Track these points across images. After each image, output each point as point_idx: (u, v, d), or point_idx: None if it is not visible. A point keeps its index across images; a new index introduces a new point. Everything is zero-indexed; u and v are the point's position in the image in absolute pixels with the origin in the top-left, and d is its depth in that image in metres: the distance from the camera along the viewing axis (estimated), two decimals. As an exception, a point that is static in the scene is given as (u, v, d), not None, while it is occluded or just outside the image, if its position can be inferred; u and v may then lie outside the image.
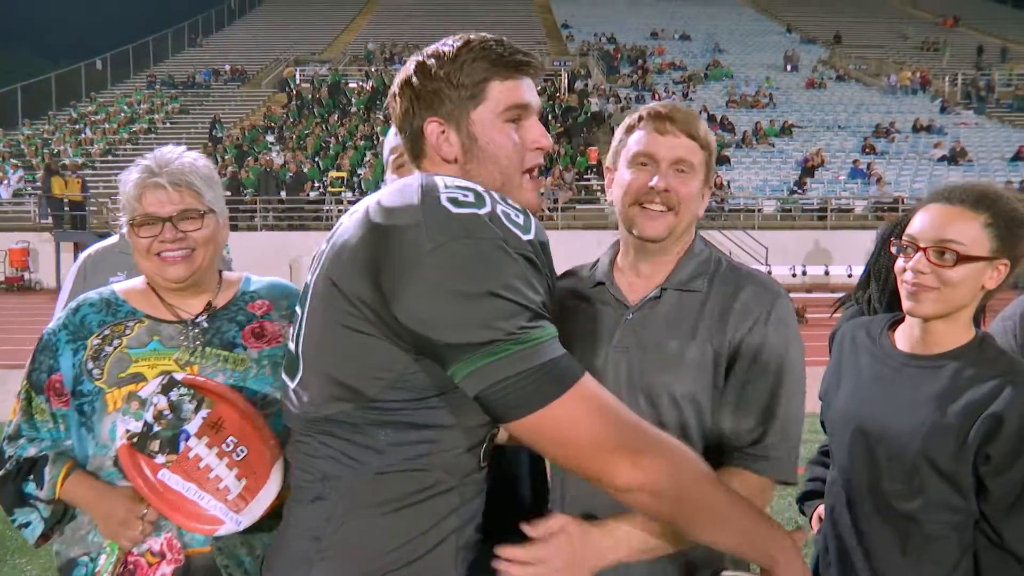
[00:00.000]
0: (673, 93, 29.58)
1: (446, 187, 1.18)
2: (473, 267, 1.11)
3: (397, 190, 1.21)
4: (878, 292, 2.29)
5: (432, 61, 1.33)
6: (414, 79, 1.34)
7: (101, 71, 35.63)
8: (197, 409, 1.60)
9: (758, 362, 1.49)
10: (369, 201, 1.24)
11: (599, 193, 22.27)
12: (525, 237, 1.17)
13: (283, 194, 21.19)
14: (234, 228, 20.97)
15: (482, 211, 1.15)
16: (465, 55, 1.31)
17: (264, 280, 1.88)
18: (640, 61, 33.65)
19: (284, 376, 1.35)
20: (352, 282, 1.17)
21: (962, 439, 1.53)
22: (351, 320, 1.18)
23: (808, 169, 22.80)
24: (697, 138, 1.55)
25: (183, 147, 1.75)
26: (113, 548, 1.60)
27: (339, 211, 20.93)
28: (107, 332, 1.68)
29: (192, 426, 1.60)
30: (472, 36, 1.35)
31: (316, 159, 23.96)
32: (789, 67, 33.57)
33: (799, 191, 22.06)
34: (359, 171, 23.40)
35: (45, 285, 20.14)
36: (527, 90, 1.35)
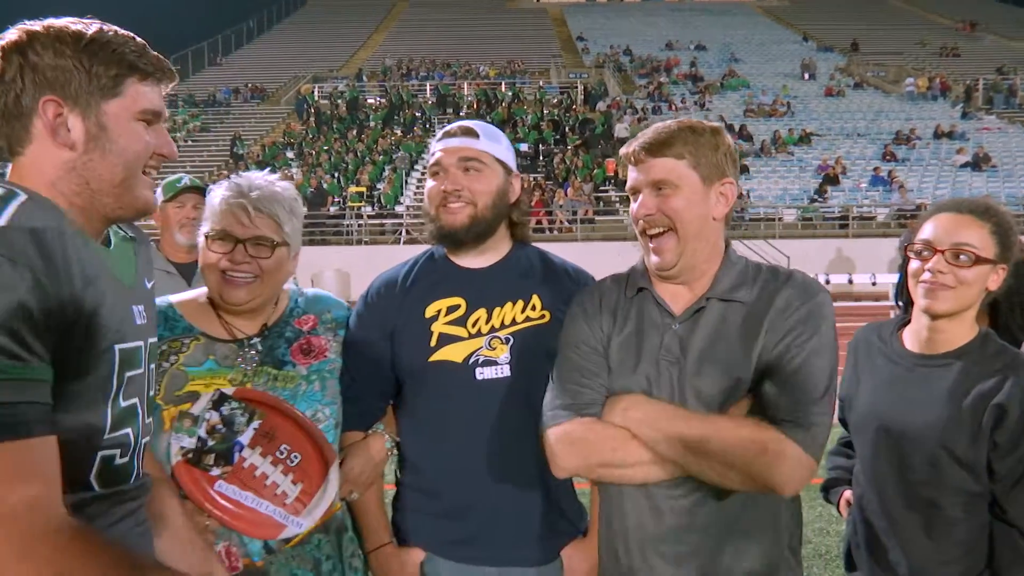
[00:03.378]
0: (689, 105, 29.59)
1: None
2: None
3: None
4: None
5: (61, 37, 1.20)
6: (32, 50, 1.18)
7: (123, 91, 36.10)
8: (249, 421, 1.64)
9: (793, 345, 1.52)
10: None
11: (618, 205, 22.25)
12: None
13: (304, 210, 21.34)
14: (256, 244, 21.37)
15: None
16: (105, 43, 1.22)
17: (309, 293, 1.91)
18: (655, 72, 33.71)
19: None
20: None
21: (975, 429, 1.69)
22: None
23: (829, 177, 22.69)
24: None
25: (276, 174, 1.78)
26: None
27: (359, 225, 21.06)
28: (164, 347, 1.69)
29: (245, 437, 1.64)
30: (106, 26, 1.26)
31: (335, 174, 24.14)
32: (806, 75, 33.49)
33: (820, 199, 21.95)
34: (378, 185, 23.55)
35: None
36: (160, 97, 1.30)
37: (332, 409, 1.77)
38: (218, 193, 1.72)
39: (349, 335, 1.86)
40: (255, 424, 1.64)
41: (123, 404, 1.24)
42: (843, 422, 2.06)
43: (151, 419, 1.36)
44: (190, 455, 1.61)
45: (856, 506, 1.95)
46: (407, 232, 21.23)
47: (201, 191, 3.24)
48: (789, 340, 1.52)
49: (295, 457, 1.66)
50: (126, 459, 1.26)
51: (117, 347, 1.21)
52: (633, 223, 1.65)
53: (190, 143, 29.60)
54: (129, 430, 1.26)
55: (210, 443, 1.62)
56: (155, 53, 1.29)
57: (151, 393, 1.36)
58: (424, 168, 25.50)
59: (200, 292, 1.81)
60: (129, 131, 1.24)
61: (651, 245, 1.59)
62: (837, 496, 2.18)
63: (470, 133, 1.85)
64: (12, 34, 1.20)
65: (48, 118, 1.19)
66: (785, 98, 29.96)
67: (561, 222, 20.22)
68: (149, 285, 1.42)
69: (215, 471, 1.62)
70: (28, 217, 1.06)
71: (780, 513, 1.60)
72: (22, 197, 1.09)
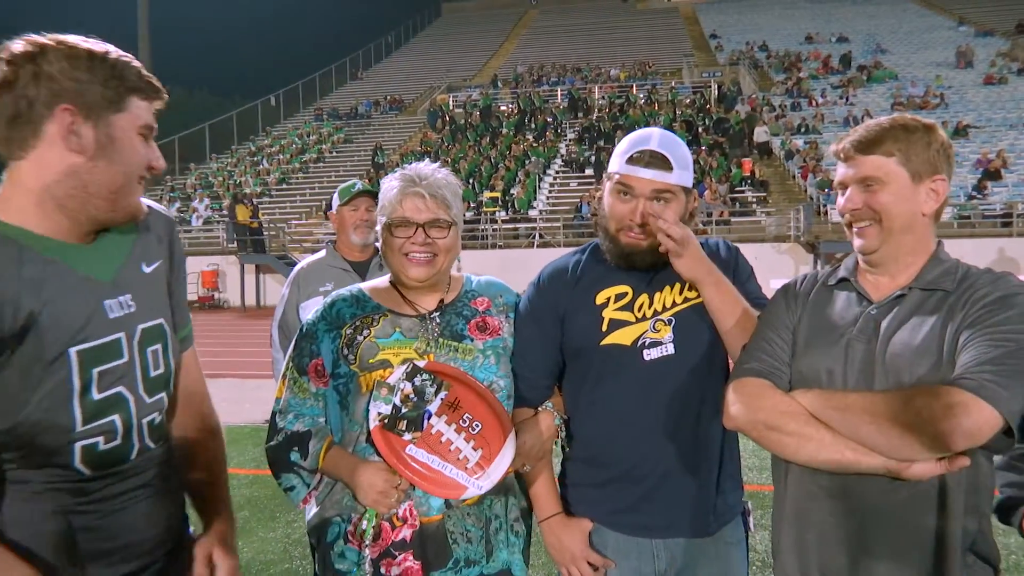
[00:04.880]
0: (832, 100, 28.25)
1: None
2: None
3: None
4: None
5: (75, 53, 1.34)
6: (45, 61, 1.31)
7: (275, 107, 38.72)
8: (437, 392, 1.83)
9: (987, 309, 1.51)
10: None
11: (754, 205, 21.61)
12: None
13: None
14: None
15: None
16: (113, 63, 1.37)
17: (482, 279, 2.10)
18: (794, 67, 32.40)
19: None
20: None
21: None
22: None
23: (989, 172, 21.06)
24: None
25: (436, 164, 1.98)
26: (371, 514, 1.84)
27: (493, 230, 21.56)
28: (358, 323, 1.93)
29: (433, 406, 1.84)
30: (111, 47, 1.40)
31: (470, 181, 24.82)
32: (962, 63, 31.21)
33: (979, 196, 20.42)
34: (511, 191, 24.02)
35: (232, 304, 22.07)
36: (152, 115, 1.45)
37: (506, 381, 1.95)
38: (392, 186, 1.93)
39: (520, 318, 2.03)
40: (442, 395, 1.84)
41: (97, 397, 1.38)
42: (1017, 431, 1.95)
43: (162, 394, 1.52)
44: (386, 420, 1.81)
45: None
46: (540, 236, 21.53)
47: (373, 194, 3.50)
48: (982, 312, 1.51)
49: (476, 425, 1.85)
50: (115, 443, 1.41)
51: (73, 350, 1.34)
52: (840, 215, 1.72)
53: (335, 154, 31.30)
54: (115, 417, 1.41)
55: (403, 411, 1.82)
56: (148, 74, 1.45)
57: (157, 372, 1.50)
58: (556, 172, 25.87)
59: (384, 278, 2.04)
60: (132, 144, 1.41)
61: (855, 231, 1.67)
62: (1019, 518, 1.93)
63: (665, 165, 1.91)
64: (21, 45, 1.32)
65: (63, 125, 1.33)
66: (938, 89, 28.08)
67: (696, 224, 19.88)
68: (148, 269, 1.53)
69: (407, 436, 1.82)
70: None
71: (955, 512, 1.54)
72: None
